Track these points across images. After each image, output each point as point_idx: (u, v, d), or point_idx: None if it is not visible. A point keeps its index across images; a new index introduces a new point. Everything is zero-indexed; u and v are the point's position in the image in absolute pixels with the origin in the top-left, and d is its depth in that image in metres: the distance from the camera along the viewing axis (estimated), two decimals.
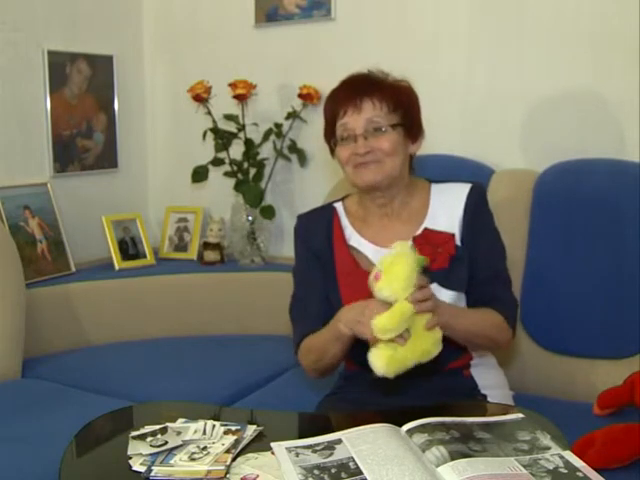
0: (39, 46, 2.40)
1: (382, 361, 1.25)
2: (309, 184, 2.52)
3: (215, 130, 2.45)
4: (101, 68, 2.61)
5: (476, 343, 1.48)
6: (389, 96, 1.46)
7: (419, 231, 1.48)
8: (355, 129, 1.44)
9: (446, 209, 1.50)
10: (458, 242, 1.47)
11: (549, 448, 1.07)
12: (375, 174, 1.45)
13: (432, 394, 1.41)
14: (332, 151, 1.53)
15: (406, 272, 1.24)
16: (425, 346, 1.27)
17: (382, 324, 1.23)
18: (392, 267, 1.25)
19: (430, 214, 1.51)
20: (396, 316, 1.23)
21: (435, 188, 1.54)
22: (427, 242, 1.45)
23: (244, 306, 2.42)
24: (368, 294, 1.30)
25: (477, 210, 1.50)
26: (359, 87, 1.47)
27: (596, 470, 1.01)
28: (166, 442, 1.13)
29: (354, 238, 1.54)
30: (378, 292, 1.26)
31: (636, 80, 1.94)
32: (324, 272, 1.53)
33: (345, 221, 1.57)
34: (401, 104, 1.47)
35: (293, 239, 1.62)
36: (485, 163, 2.08)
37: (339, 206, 1.60)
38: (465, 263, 1.46)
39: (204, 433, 1.17)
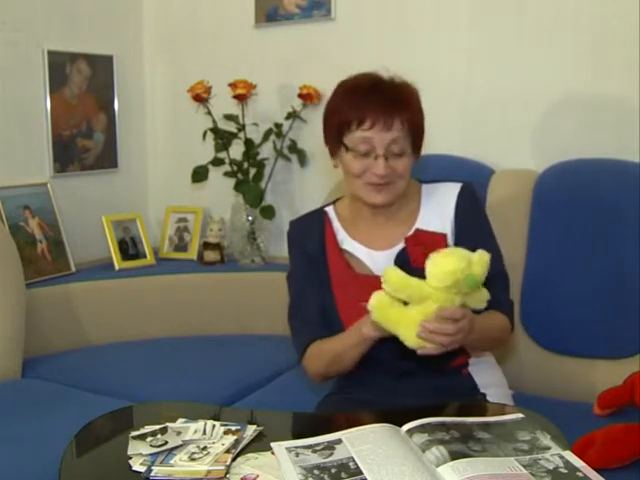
0: (39, 46, 2.40)
1: (376, 301, 1.24)
2: (309, 184, 2.52)
3: (215, 130, 2.45)
4: (101, 68, 2.61)
5: (485, 349, 1.50)
6: (414, 118, 1.42)
7: (411, 232, 1.48)
8: (377, 148, 1.39)
9: (437, 210, 1.50)
10: (451, 242, 1.47)
11: (549, 448, 1.07)
12: (386, 197, 1.44)
13: (431, 394, 1.41)
14: (332, 148, 1.49)
15: (457, 268, 1.19)
16: (407, 335, 1.24)
17: (392, 275, 1.21)
18: (456, 255, 1.21)
19: (421, 215, 1.50)
20: (407, 282, 1.21)
21: (425, 189, 1.54)
22: (418, 242, 1.45)
23: (244, 306, 2.42)
24: (361, 297, 1.28)
25: (469, 210, 1.50)
26: (390, 102, 1.40)
27: (596, 470, 1.01)
28: (166, 442, 1.13)
29: (347, 242, 1.53)
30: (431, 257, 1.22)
31: (636, 80, 1.94)
32: (318, 277, 1.52)
33: (337, 224, 1.56)
34: (419, 127, 1.44)
35: (287, 245, 1.61)
36: (485, 163, 2.08)
37: (330, 210, 1.59)
38: None
39: (204, 433, 1.17)
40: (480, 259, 1.22)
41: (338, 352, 1.43)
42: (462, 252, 1.21)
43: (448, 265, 1.19)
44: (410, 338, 1.23)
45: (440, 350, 1.24)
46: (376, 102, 1.40)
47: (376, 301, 1.24)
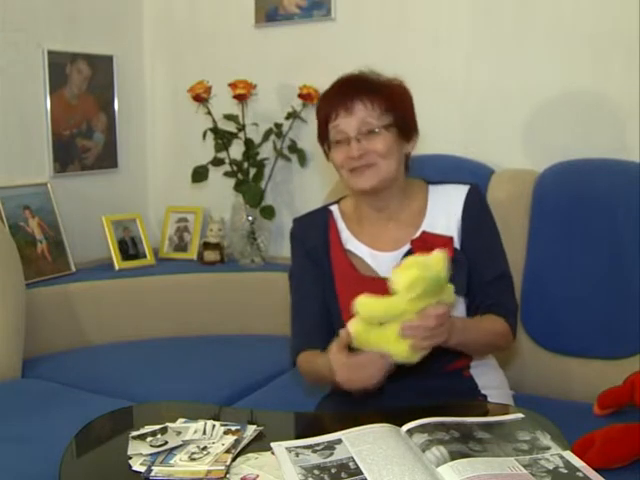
0: (39, 46, 2.40)
1: (353, 330, 1.23)
2: (309, 184, 2.52)
3: (215, 130, 2.45)
4: (101, 68, 2.61)
5: (480, 351, 1.48)
6: (381, 97, 1.43)
7: (417, 234, 1.47)
8: (348, 131, 1.42)
9: (444, 211, 1.49)
10: (457, 245, 1.46)
11: (549, 448, 1.07)
12: (371, 179, 1.43)
13: (432, 394, 1.40)
14: (326, 154, 1.52)
15: (419, 276, 1.19)
16: (394, 350, 1.23)
17: (364, 304, 1.21)
18: (414, 265, 1.21)
19: (428, 217, 1.49)
20: (380, 306, 1.21)
21: (433, 189, 1.53)
22: (425, 245, 1.43)
23: (244, 306, 2.42)
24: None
25: (476, 212, 1.49)
26: (350, 89, 1.45)
27: (596, 470, 1.01)
28: (166, 442, 1.13)
29: (350, 242, 1.52)
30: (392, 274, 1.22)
31: (636, 80, 1.94)
32: (322, 276, 1.52)
33: (341, 224, 1.55)
34: (393, 104, 1.44)
35: (290, 243, 1.60)
36: (485, 163, 2.08)
37: (335, 209, 1.58)
38: (464, 267, 1.44)
39: (204, 433, 1.17)
40: (436, 258, 1.22)
41: (323, 375, 1.41)
42: (418, 259, 1.22)
43: (411, 275, 1.19)
44: (399, 352, 1.22)
45: (425, 349, 1.22)
46: (338, 93, 1.46)
47: (353, 331, 1.24)
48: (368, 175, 1.43)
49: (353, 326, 1.24)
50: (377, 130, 1.42)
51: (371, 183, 1.44)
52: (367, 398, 1.29)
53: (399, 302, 1.20)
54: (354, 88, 1.44)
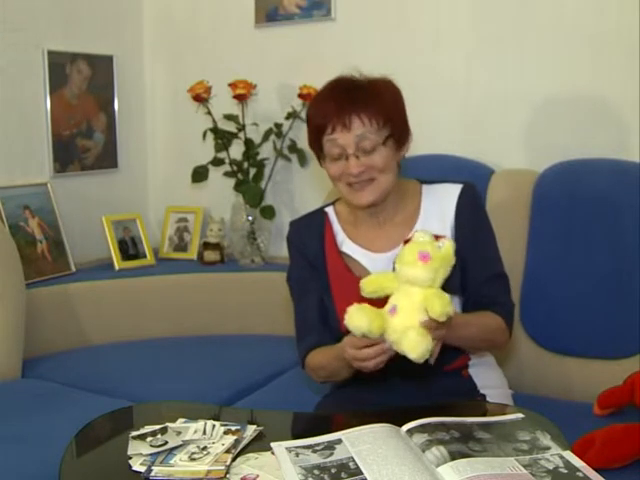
0: (39, 46, 2.40)
1: (365, 317, 1.19)
2: (309, 184, 2.52)
3: (215, 130, 2.45)
4: (101, 68, 2.61)
5: (476, 347, 1.48)
6: (378, 111, 1.39)
7: (411, 234, 1.47)
8: (346, 147, 1.39)
9: (438, 211, 1.48)
10: None
11: (549, 448, 1.07)
12: (370, 195, 1.42)
13: (431, 394, 1.41)
14: (319, 159, 1.49)
15: (450, 265, 1.24)
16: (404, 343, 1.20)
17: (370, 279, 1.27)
18: (442, 254, 1.23)
19: (422, 216, 1.49)
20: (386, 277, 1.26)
21: (426, 189, 1.52)
22: None
23: (244, 306, 2.42)
24: (360, 301, 1.24)
25: (469, 211, 1.48)
26: (346, 102, 1.39)
27: (596, 470, 1.01)
28: (166, 442, 1.13)
29: (346, 244, 1.52)
30: (418, 270, 1.21)
31: (636, 80, 1.94)
32: (319, 278, 1.52)
33: (337, 226, 1.55)
34: (390, 117, 1.41)
35: (287, 247, 1.60)
36: (485, 163, 2.08)
37: (330, 210, 1.58)
38: (458, 266, 1.44)
39: (204, 433, 1.17)
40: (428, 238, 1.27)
41: (333, 368, 1.44)
42: (419, 240, 1.26)
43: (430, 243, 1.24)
44: (413, 348, 1.17)
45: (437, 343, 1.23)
46: (334, 105, 1.40)
47: (361, 319, 1.20)
48: (369, 191, 1.42)
49: (360, 317, 1.20)
50: (376, 146, 1.40)
51: (370, 199, 1.43)
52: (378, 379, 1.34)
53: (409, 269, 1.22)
54: (349, 102, 1.39)
